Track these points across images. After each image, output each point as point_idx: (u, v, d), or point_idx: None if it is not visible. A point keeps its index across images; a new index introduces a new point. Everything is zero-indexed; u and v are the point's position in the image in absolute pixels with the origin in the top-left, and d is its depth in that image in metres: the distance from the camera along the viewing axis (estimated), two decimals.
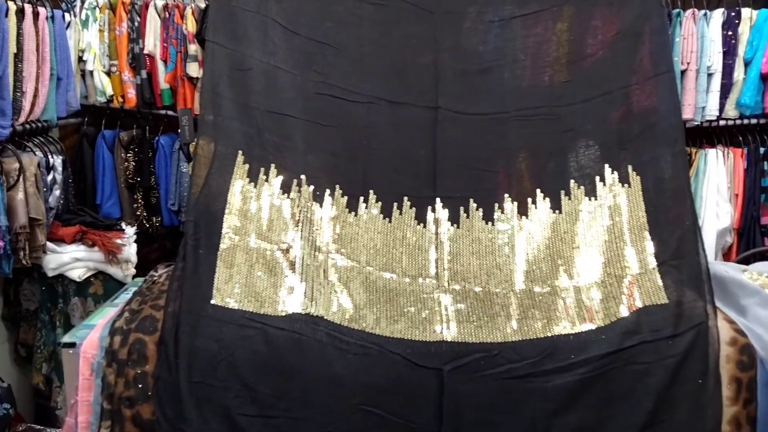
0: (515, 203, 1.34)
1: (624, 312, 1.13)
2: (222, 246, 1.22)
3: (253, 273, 1.19)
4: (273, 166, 1.33)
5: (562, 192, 1.34)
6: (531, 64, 1.61)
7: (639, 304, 1.16)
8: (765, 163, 2.91)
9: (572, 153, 1.40)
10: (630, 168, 1.39)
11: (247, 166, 1.33)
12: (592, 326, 1.13)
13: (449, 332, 1.01)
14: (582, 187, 1.36)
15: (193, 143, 3.16)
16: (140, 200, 3.29)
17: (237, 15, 1.45)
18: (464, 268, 1.26)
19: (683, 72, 2.81)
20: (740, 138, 2.97)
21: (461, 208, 1.32)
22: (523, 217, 1.28)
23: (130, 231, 2.86)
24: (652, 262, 1.30)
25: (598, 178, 1.36)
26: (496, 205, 1.34)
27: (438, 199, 1.35)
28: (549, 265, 1.28)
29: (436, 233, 1.26)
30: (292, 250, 1.23)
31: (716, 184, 2.90)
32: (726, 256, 3.00)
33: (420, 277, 1.19)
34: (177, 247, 1.35)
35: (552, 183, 1.37)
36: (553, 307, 1.03)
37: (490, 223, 1.38)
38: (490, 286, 1.24)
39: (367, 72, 1.52)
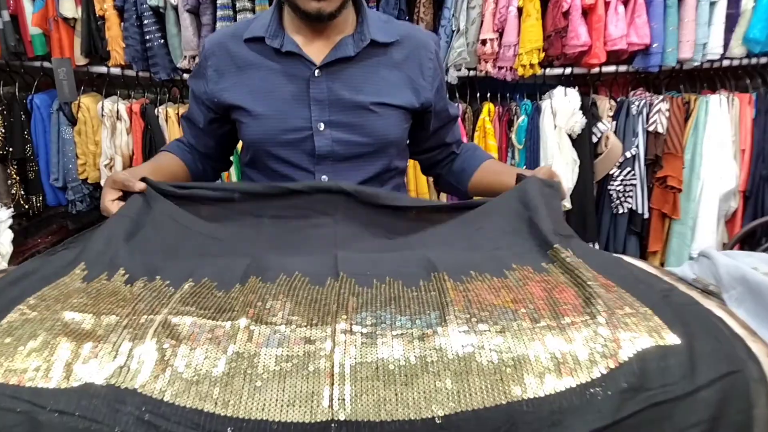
0: None
1: (620, 357, 0.76)
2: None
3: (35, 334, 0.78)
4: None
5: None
6: None
7: (636, 346, 0.79)
8: None
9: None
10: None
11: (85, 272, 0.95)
12: (572, 382, 0.75)
13: (344, 408, 0.63)
14: None
15: (75, 101, 2.73)
16: (15, 175, 2.82)
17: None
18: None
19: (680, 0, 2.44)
20: (747, 81, 2.62)
21: None
22: None
23: (3, 214, 2.40)
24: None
25: None
26: None
27: None
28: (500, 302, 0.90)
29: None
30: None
31: (719, 138, 2.56)
32: (730, 225, 2.70)
33: (307, 326, 0.80)
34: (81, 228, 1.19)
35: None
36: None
37: None
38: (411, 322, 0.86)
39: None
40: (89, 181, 2.81)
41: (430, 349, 0.80)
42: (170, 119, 2.66)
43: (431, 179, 1.53)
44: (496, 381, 0.80)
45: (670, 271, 1.28)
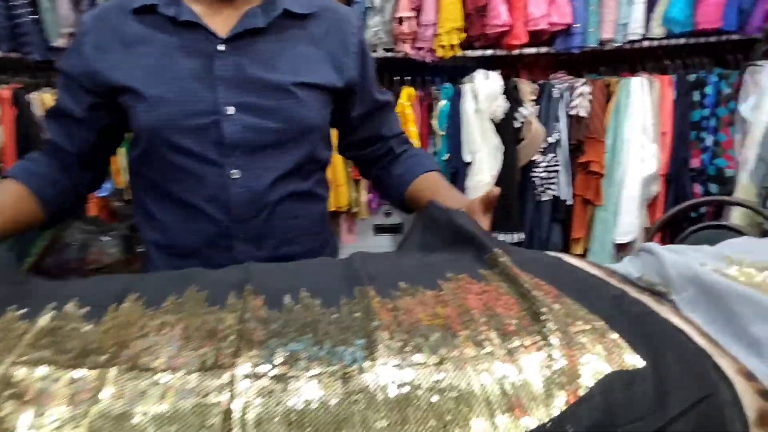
0: None
1: (581, 387, 0.63)
2: None
3: None
4: None
5: None
6: None
7: (596, 372, 0.67)
8: (695, 92, 2.61)
9: None
10: None
11: None
12: (529, 423, 0.61)
13: None
14: None
15: None
16: None
17: None
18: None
19: None
20: (667, 62, 2.64)
21: None
22: None
23: None
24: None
25: None
26: None
27: None
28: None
29: None
30: None
31: (640, 121, 2.57)
32: (651, 209, 2.72)
33: (198, 371, 0.64)
34: None
35: None
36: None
37: None
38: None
39: None
40: None
41: (357, 392, 0.64)
42: (47, 107, 2.35)
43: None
44: (439, 429, 0.67)
45: (612, 269, 1.18)
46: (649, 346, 0.75)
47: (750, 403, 0.75)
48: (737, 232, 2.29)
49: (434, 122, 2.51)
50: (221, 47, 1.01)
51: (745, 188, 2.48)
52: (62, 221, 1.21)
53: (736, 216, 2.51)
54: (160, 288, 0.76)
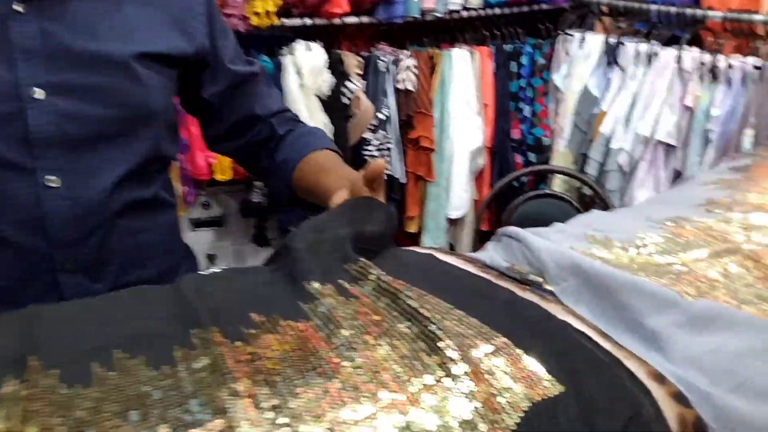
0: None
1: (505, 427, 0.50)
2: None
3: None
4: None
5: None
6: None
7: (517, 405, 0.54)
8: (512, 63, 2.67)
9: None
10: None
11: None
12: None
13: None
14: None
15: None
16: None
17: None
18: None
19: None
20: (486, 33, 2.67)
21: None
22: None
23: None
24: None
25: None
26: None
27: None
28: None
29: None
30: None
31: (464, 94, 2.57)
32: (479, 181, 2.76)
33: None
34: None
35: None
36: None
37: None
38: None
39: None
40: None
41: None
42: None
43: None
44: None
45: (478, 258, 1.09)
46: (561, 362, 0.65)
47: (669, 412, 0.68)
48: (561, 199, 2.40)
49: None
50: (18, 7, 0.74)
51: (562, 156, 2.61)
52: None
53: (556, 183, 2.64)
54: None
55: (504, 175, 2.58)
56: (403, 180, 2.58)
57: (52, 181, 0.78)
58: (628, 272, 0.96)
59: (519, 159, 2.79)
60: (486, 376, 0.59)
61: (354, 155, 2.49)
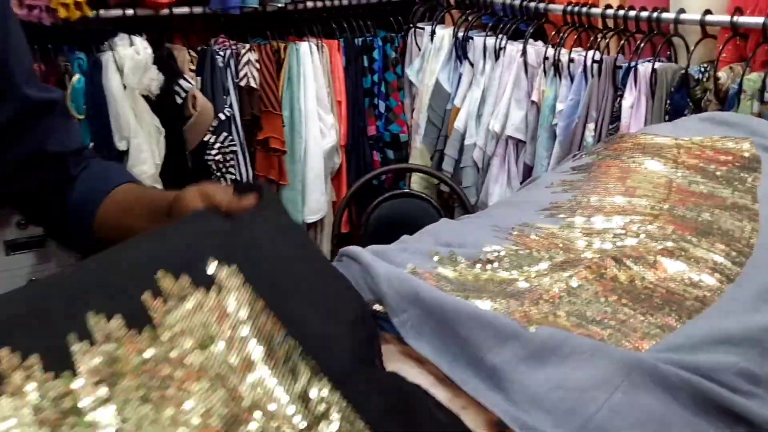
0: None
1: None
2: None
3: None
4: None
5: None
6: None
7: None
8: (365, 57, 2.58)
9: None
10: None
11: None
12: None
13: None
14: None
15: None
16: None
17: None
18: None
19: None
20: (334, 25, 2.55)
21: None
22: None
23: None
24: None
25: None
26: None
27: None
28: None
29: None
30: None
31: (315, 90, 2.44)
32: (336, 181, 2.65)
33: None
34: None
35: None
36: None
37: None
38: None
39: None
40: None
41: None
42: None
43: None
44: None
45: None
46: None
47: None
48: (420, 198, 2.36)
49: (67, 103, 1.99)
50: None
51: (419, 152, 2.57)
52: None
53: (414, 180, 2.59)
54: None
55: (362, 175, 2.49)
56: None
57: None
58: (471, 294, 0.88)
59: (377, 157, 2.71)
60: None
61: (195, 160, 2.27)
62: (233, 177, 2.33)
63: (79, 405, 0.44)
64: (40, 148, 0.82)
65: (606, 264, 0.98)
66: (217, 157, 2.25)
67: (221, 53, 2.25)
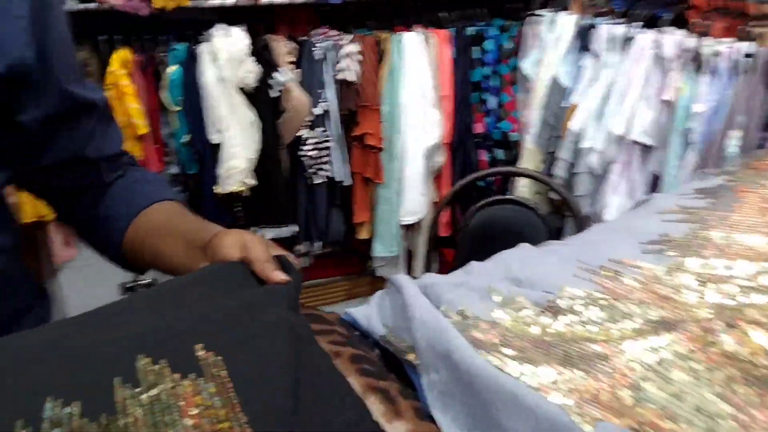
0: None
1: None
2: None
3: None
4: None
5: None
6: None
7: None
8: (476, 48, 2.38)
9: None
10: None
11: None
12: None
13: None
14: None
15: None
16: None
17: None
18: None
19: None
20: (444, 14, 2.38)
21: None
22: None
23: None
24: None
25: None
26: None
27: None
28: None
29: None
30: None
31: (419, 84, 2.28)
32: (438, 181, 2.48)
33: None
34: None
35: None
36: None
37: None
38: None
39: None
40: None
41: None
42: None
43: None
44: None
45: (350, 318, 0.86)
46: None
47: None
48: (524, 206, 2.13)
49: (164, 94, 2.00)
50: None
51: (530, 153, 2.33)
52: None
53: (523, 184, 2.37)
54: None
55: (466, 175, 2.31)
56: (346, 182, 2.30)
57: None
58: (529, 355, 0.69)
59: (485, 156, 2.51)
60: None
61: (289, 156, 2.22)
62: (327, 174, 2.24)
63: None
64: (78, 152, 0.78)
65: (718, 328, 0.74)
66: (311, 153, 2.18)
67: (319, 45, 2.16)
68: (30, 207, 1.77)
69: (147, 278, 2.07)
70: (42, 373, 0.49)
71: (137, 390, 0.48)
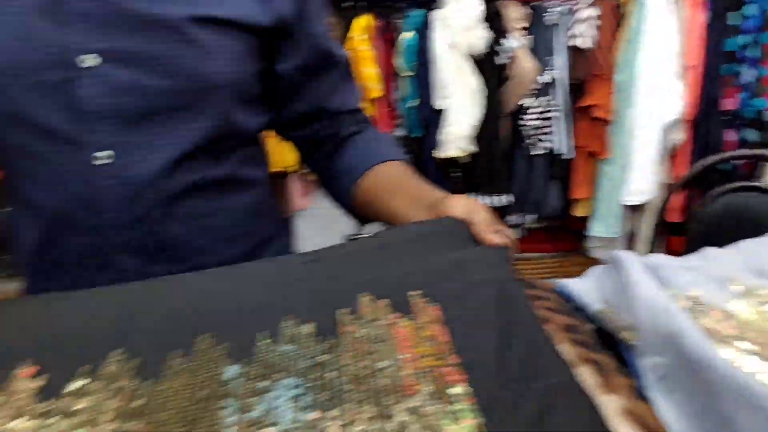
0: None
1: None
2: None
3: None
4: None
5: None
6: None
7: None
8: (732, 14, 2.11)
9: None
10: None
11: None
12: None
13: None
14: None
15: None
16: None
17: None
18: None
19: None
20: None
21: None
22: None
23: None
24: None
25: None
26: None
27: None
28: None
29: None
30: None
31: (661, 52, 2.10)
32: (674, 161, 2.28)
33: None
34: None
35: None
36: None
37: None
38: None
39: None
40: None
41: None
42: None
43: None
44: None
45: (564, 290, 0.84)
46: None
47: None
48: None
49: (397, 60, 2.09)
50: None
51: None
52: None
53: None
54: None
55: (707, 156, 2.09)
56: (569, 155, 2.22)
57: (104, 157, 0.71)
58: (752, 362, 0.63)
59: (732, 136, 2.24)
60: None
61: (510, 124, 2.20)
62: (548, 145, 2.18)
63: None
64: (321, 104, 0.87)
65: None
66: (534, 122, 2.13)
67: (553, 10, 2.08)
68: (277, 156, 1.99)
69: (370, 232, 2.23)
70: (285, 296, 0.57)
71: (358, 320, 0.53)
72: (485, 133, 2.13)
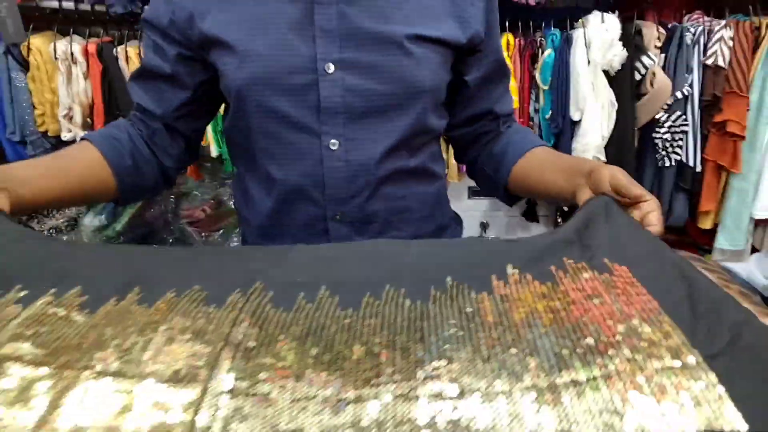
0: None
1: None
2: None
3: None
4: None
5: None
6: None
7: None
8: None
9: None
10: None
11: None
12: None
13: None
14: None
15: (25, 43, 2.49)
16: None
17: None
18: None
19: None
20: None
21: None
22: None
23: None
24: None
25: None
26: None
27: None
28: None
29: None
30: None
31: None
32: None
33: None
34: None
35: None
36: None
37: None
38: None
39: None
40: (50, 134, 2.59)
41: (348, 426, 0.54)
42: (131, 60, 2.39)
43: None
44: None
45: (731, 269, 0.98)
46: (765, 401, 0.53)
47: None
48: None
49: (537, 75, 2.28)
50: None
51: None
52: (139, 199, 1.10)
53: None
54: (162, 284, 0.66)
55: None
56: (697, 168, 2.32)
57: (334, 144, 0.91)
58: None
59: None
60: (651, 387, 0.55)
61: (641, 138, 2.33)
62: (678, 157, 2.30)
63: None
64: (489, 103, 1.04)
65: None
66: (665, 136, 2.26)
67: (691, 30, 2.21)
68: None
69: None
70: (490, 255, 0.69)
71: (575, 273, 0.64)
72: (616, 143, 2.27)
